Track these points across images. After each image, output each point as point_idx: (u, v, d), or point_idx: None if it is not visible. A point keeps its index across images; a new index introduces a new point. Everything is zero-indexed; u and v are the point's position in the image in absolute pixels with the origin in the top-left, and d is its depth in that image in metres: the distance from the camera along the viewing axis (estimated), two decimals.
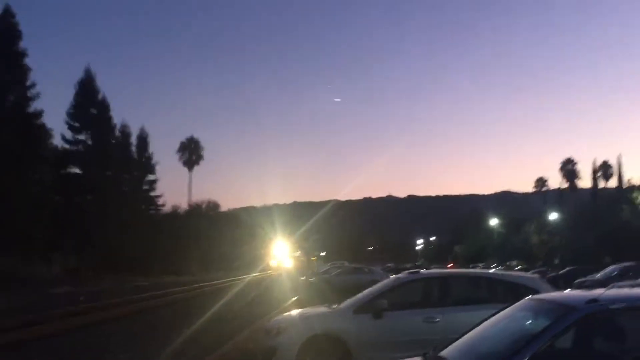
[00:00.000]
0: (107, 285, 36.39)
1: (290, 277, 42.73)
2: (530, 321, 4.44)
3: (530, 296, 5.09)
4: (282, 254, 65.77)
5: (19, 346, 11.61)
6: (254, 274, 48.96)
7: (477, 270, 18.88)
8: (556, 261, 59.79)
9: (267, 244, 67.24)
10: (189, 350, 11.13)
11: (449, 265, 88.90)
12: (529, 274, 10.47)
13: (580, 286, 28.43)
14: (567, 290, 6.11)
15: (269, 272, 56.13)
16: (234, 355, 10.54)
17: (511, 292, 8.63)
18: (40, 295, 28.03)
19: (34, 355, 10.82)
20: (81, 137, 55.34)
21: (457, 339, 4.81)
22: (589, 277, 31.69)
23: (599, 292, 4.46)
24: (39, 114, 44.69)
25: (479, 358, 4.26)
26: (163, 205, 72.36)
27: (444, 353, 4.43)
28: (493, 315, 5.03)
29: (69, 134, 55.02)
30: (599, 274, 31.54)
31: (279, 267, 59.48)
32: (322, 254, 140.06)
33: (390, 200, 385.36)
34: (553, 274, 40.68)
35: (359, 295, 9.26)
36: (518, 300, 8.01)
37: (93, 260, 49.88)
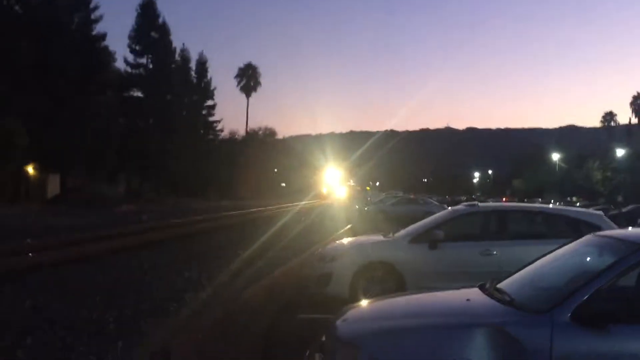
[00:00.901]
0: (168, 207, 37.71)
1: (344, 205, 43.05)
2: (594, 258, 4.30)
3: (595, 232, 4.89)
4: (336, 182, 65.89)
5: (87, 260, 12.25)
6: (308, 201, 49.41)
7: (537, 204, 18.46)
8: (619, 199, 57.85)
9: (321, 172, 66.92)
10: (246, 272, 11.48)
11: (503, 200, 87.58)
12: (591, 210, 10.13)
13: None
14: (633, 228, 5.84)
15: (322, 200, 56.13)
16: (290, 279, 10.81)
17: (572, 228, 8.43)
18: (107, 213, 29.46)
19: (102, 270, 11.37)
20: (142, 60, 56.17)
21: (515, 272, 4.74)
22: None
23: None
24: (102, 36, 45.44)
25: (539, 292, 4.18)
26: (221, 130, 73.72)
27: (502, 285, 4.37)
28: (554, 250, 4.90)
29: (130, 57, 55.93)
30: None
31: (332, 196, 59.36)
32: (377, 184, 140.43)
33: (448, 132, 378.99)
34: (615, 211, 39.44)
35: (415, 225, 9.25)
36: (579, 237, 7.88)
37: (154, 182, 51.73)
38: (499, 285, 4.39)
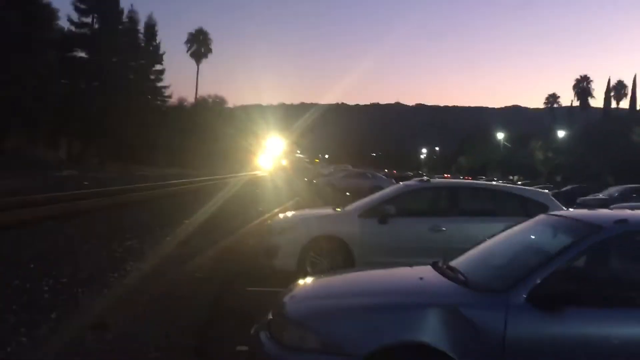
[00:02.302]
0: (112, 173, 36.58)
1: (291, 177, 42.65)
2: (548, 238, 4.25)
3: (548, 212, 4.86)
4: (284, 153, 64.80)
5: (21, 226, 11.67)
6: (254, 172, 48.61)
7: (483, 182, 18.74)
8: (558, 178, 59.82)
9: (269, 143, 64.94)
10: (193, 241, 11.21)
11: (444, 176, 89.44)
12: (539, 189, 10.27)
13: (584, 204, 28.54)
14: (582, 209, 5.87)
15: (268, 171, 54.45)
16: (237, 249, 10.61)
17: (521, 206, 8.53)
18: (46, 178, 28.31)
19: (39, 237, 10.85)
20: (87, 20, 53.83)
21: (469, 249, 4.66)
22: (592, 196, 31.68)
23: (622, 212, 4.26)
24: None
25: (493, 272, 4.10)
26: (169, 97, 71.74)
27: (454, 263, 4.28)
28: (506, 229, 4.84)
29: (75, 16, 53.47)
30: (601, 194, 31.51)
31: (280, 167, 58.04)
32: (326, 156, 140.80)
33: (398, 108, 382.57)
34: (555, 190, 40.75)
35: (365, 200, 9.14)
36: (527, 215, 7.95)
37: (98, 147, 50.06)
38: (452, 263, 4.29)
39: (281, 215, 9.88)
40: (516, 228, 4.72)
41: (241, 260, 9.67)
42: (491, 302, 3.46)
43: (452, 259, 4.47)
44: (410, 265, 4.59)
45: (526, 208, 8.31)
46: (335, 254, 8.25)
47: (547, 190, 9.81)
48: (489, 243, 4.65)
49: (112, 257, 9.32)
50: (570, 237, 3.81)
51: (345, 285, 4.31)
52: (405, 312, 3.48)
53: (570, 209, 6.04)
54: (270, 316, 3.94)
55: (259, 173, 49.53)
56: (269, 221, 9.83)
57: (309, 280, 4.71)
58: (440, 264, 4.32)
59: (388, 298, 3.71)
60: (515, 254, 4.33)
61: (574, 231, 3.91)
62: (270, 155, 63.02)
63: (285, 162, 62.18)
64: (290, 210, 11.61)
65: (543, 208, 8.11)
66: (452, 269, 4.12)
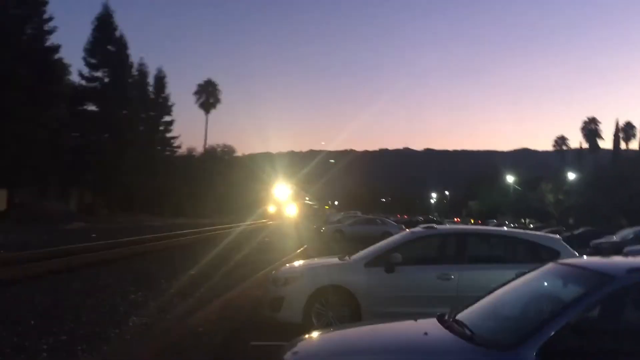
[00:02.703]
0: (121, 224, 36.55)
1: (300, 225, 42.20)
2: (559, 288, 4.04)
3: (558, 260, 4.66)
4: (292, 201, 63.77)
5: (27, 280, 11.54)
6: (262, 221, 47.93)
7: (496, 227, 18.42)
8: (571, 221, 59.16)
9: (277, 191, 63.60)
10: (197, 293, 11.02)
11: (455, 220, 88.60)
12: (550, 234, 10.03)
13: (597, 248, 28.06)
14: (596, 257, 5.65)
15: (279, 219, 53.24)
16: (242, 301, 10.39)
17: (531, 252, 8.32)
18: (55, 231, 28.32)
19: (42, 292, 10.69)
20: (98, 74, 54.81)
21: (475, 301, 4.46)
22: (605, 239, 31.19)
23: (636, 260, 4.08)
24: (56, 48, 44.11)
25: (501, 326, 3.89)
26: (179, 147, 72.46)
27: (462, 317, 4.07)
28: (515, 278, 4.64)
29: (85, 71, 54.56)
30: (614, 237, 31.03)
31: (288, 215, 56.63)
32: (336, 203, 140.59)
33: (406, 153, 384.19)
34: (567, 234, 40.21)
35: (372, 248, 8.95)
36: (538, 261, 7.72)
37: (108, 198, 50.28)
38: (458, 317, 4.09)
39: (286, 265, 9.69)
40: (525, 277, 4.51)
41: (246, 313, 9.44)
42: (499, 358, 3.26)
43: (459, 311, 4.27)
44: (415, 318, 4.38)
45: (537, 254, 8.10)
46: (341, 304, 8.03)
47: (558, 236, 9.56)
48: (497, 294, 4.44)
49: (115, 312, 9.15)
50: (581, 288, 3.61)
51: (349, 342, 4.10)
52: None
53: (583, 256, 5.80)
54: None
55: (266, 221, 48.74)
56: (273, 272, 9.62)
57: (312, 335, 4.51)
58: (446, 317, 4.12)
59: (389, 356, 3.51)
60: (524, 306, 4.12)
61: (585, 281, 3.72)
62: (278, 203, 61.82)
63: (293, 210, 60.88)
64: (297, 260, 11.39)
65: (554, 254, 7.89)
66: (458, 322, 3.92)
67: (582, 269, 4.02)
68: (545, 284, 4.31)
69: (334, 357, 3.69)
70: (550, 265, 4.45)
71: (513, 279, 4.65)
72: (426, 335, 3.78)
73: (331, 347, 4.00)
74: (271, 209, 59.99)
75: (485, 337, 3.51)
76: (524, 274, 4.67)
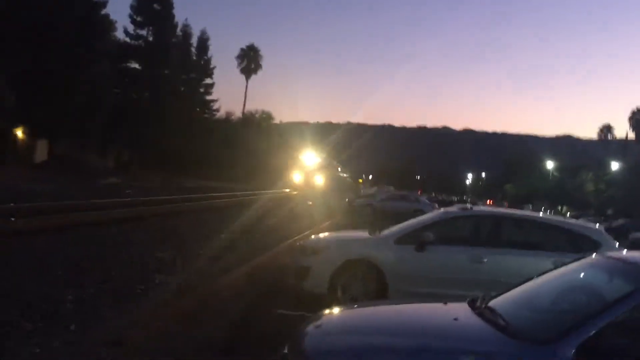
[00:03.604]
0: (153, 183, 36.97)
1: (328, 197, 41.16)
2: (603, 283, 3.76)
3: (604, 252, 4.35)
4: (323, 171, 61.74)
5: (60, 230, 11.68)
6: (286, 190, 44.87)
7: (532, 212, 17.82)
8: (609, 212, 57.65)
9: (308, 159, 62.43)
10: (225, 256, 11.02)
11: (488, 202, 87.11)
12: (591, 224, 9.61)
13: (636, 241, 27.24)
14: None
15: (306, 189, 51.40)
16: (269, 267, 10.33)
17: (570, 241, 7.97)
18: (91, 185, 28.84)
19: (74, 242, 10.82)
20: (142, 32, 55.20)
21: (510, 288, 4.21)
22: None
23: None
24: (103, 4, 44.40)
25: (538, 318, 3.65)
26: (217, 110, 72.76)
27: (495, 304, 3.84)
28: (554, 268, 4.38)
29: (131, 28, 54.94)
30: None
31: (316, 185, 55.28)
32: (370, 177, 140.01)
33: (445, 132, 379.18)
34: (605, 224, 39.10)
35: (403, 225, 8.72)
36: (577, 251, 7.38)
37: (144, 156, 50.94)
38: (491, 304, 3.86)
39: (314, 236, 9.54)
40: (566, 268, 4.24)
41: (273, 280, 9.36)
42: (534, 354, 3.03)
43: (491, 297, 4.04)
44: (445, 301, 4.17)
45: (576, 244, 7.75)
46: (368, 279, 7.86)
47: (601, 226, 9.14)
48: (534, 283, 4.18)
49: (144, 269, 9.18)
50: (630, 285, 3.33)
51: (374, 321, 3.91)
52: (434, 357, 3.09)
53: (632, 251, 5.46)
54: (285, 350, 3.60)
55: (291, 191, 46.62)
56: (301, 241, 9.50)
57: (336, 310, 4.35)
58: (478, 303, 3.89)
59: (418, 340, 3.31)
60: (565, 299, 3.85)
61: (635, 277, 3.44)
62: (307, 172, 58.82)
63: (321, 181, 58.18)
64: (325, 232, 11.22)
65: (595, 245, 7.54)
66: (491, 310, 3.69)
67: (632, 264, 3.73)
68: (589, 277, 4.03)
69: (358, 335, 3.52)
70: (594, 257, 4.16)
71: (552, 269, 4.39)
72: (456, 321, 3.57)
73: (356, 325, 3.82)
74: (297, 177, 56.50)
75: (520, 329, 3.27)
76: (564, 264, 4.40)
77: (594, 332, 2.99)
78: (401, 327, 3.64)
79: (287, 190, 44.98)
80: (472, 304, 3.90)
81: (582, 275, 4.09)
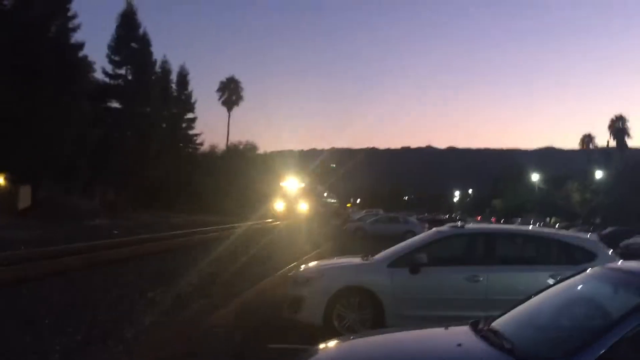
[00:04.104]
0: (143, 220, 36.57)
1: (315, 224, 39.99)
2: (608, 296, 3.61)
3: (603, 264, 4.23)
4: (307, 197, 59.64)
5: (43, 278, 11.41)
6: (268, 220, 42.26)
7: (523, 226, 17.76)
8: (597, 220, 57.92)
9: (291, 186, 57.55)
10: (215, 293, 10.81)
11: (477, 219, 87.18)
12: (584, 235, 9.53)
13: (628, 248, 27.24)
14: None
15: (290, 217, 47.09)
16: (260, 300, 10.10)
17: (565, 253, 7.89)
18: (77, 227, 28.43)
19: (59, 290, 10.54)
20: (121, 71, 55.11)
21: (511, 308, 4.06)
22: (634, 239, 30.29)
23: None
24: (80, 45, 44.38)
25: (544, 337, 3.48)
26: (201, 144, 72.54)
27: (498, 325, 3.69)
28: (555, 283, 4.24)
29: (109, 68, 54.89)
30: None
31: (300, 213, 51.13)
32: (358, 201, 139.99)
33: (429, 151, 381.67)
34: (595, 233, 39.10)
35: (396, 248, 8.57)
36: (572, 263, 7.27)
37: (130, 195, 50.50)
38: (493, 325, 3.71)
39: (306, 265, 9.34)
40: (567, 282, 4.10)
41: (264, 313, 9.14)
42: None
43: (494, 318, 3.89)
44: (446, 325, 4.00)
45: (571, 256, 7.67)
46: (364, 306, 7.69)
47: (595, 236, 9.06)
48: (535, 300, 4.03)
49: (132, 310, 8.94)
50: (637, 297, 3.19)
51: (374, 353, 3.72)
52: None
53: (629, 261, 5.33)
54: None
55: (273, 221, 42.80)
56: (292, 271, 9.29)
57: (332, 344, 4.16)
58: (480, 325, 3.73)
59: None
60: (569, 316, 3.70)
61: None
62: (290, 199, 54.83)
63: (307, 207, 53.24)
64: (317, 260, 10.98)
65: (590, 256, 7.47)
66: (494, 331, 3.53)
67: (636, 275, 3.59)
68: (592, 290, 3.88)
69: None
70: (596, 270, 4.02)
71: (552, 284, 4.25)
72: (460, 347, 3.40)
73: (354, 357, 3.64)
74: (279, 206, 51.48)
75: (528, 350, 3.10)
76: (562, 278, 4.26)
77: (604, 349, 2.84)
78: (403, 358, 3.46)
79: (269, 220, 42.66)
80: (474, 327, 3.74)
81: (584, 289, 3.95)
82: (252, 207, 49.29)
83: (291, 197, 52.13)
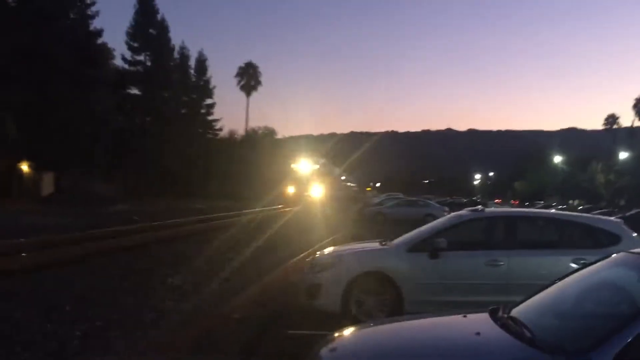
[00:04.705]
0: (162, 207, 36.83)
1: (332, 209, 39.23)
2: (633, 283, 3.48)
3: (627, 249, 4.07)
4: (332, 182, 58.14)
5: (67, 263, 11.51)
6: (278, 206, 39.93)
7: (545, 209, 17.58)
8: (622, 202, 57.03)
9: (313, 171, 55.27)
10: (234, 278, 10.82)
11: (495, 201, 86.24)
12: (609, 218, 9.32)
13: None
14: None
15: (303, 202, 44.46)
16: (278, 286, 10.08)
17: (588, 236, 7.73)
18: (99, 213, 28.72)
19: (79, 276, 10.63)
20: (140, 57, 55.51)
21: (532, 294, 3.95)
22: None
23: None
24: (99, 32, 44.72)
25: (565, 327, 3.36)
26: (220, 129, 72.83)
27: (518, 313, 3.58)
28: (579, 269, 4.10)
29: (128, 54, 55.26)
30: None
31: (324, 197, 49.05)
32: (377, 185, 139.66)
33: (449, 134, 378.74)
34: (619, 215, 38.46)
35: (414, 232, 8.45)
36: (596, 247, 7.11)
37: (151, 180, 50.94)
38: (513, 313, 3.60)
39: (323, 251, 9.26)
40: (590, 268, 3.96)
41: (283, 299, 9.11)
42: None
43: (513, 306, 3.78)
44: (464, 313, 3.90)
45: (595, 239, 7.49)
46: (382, 292, 7.58)
47: (619, 219, 8.84)
48: (557, 287, 3.90)
49: (152, 295, 8.98)
50: None
51: (391, 343, 3.62)
52: None
53: None
54: None
55: (283, 207, 40.04)
56: (309, 257, 9.23)
57: (349, 331, 4.09)
58: (500, 313, 3.63)
59: None
60: (593, 303, 3.58)
61: None
62: (303, 182, 51.88)
63: (323, 191, 49.56)
64: (335, 246, 10.87)
65: (615, 239, 7.29)
66: (514, 320, 3.42)
67: None
68: (616, 277, 3.74)
69: (375, 359, 3.27)
70: (620, 255, 3.87)
71: (575, 270, 4.12)
72: (479, 336, 3.29)
73: (371, 348, 3.56)
74: (290, 190, 47.52)
75: (549, 340, 2.99)
76: (586, 264, 4.13)
77: (631, 339, 2.72)
78: (421, 347, 3.37)
79: (279, 206, 39.84)
80: (493, 315, 3.63)
81: (609, 275, 3.81)
82: (269, 192, 47.88)
83: (303, 180, 48.81)
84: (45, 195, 40.89)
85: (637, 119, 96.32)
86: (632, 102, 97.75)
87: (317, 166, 50.12)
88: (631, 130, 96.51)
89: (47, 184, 42.43)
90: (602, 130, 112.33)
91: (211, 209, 33.71)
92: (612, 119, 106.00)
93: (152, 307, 8.16)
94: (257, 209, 32.32)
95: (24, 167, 40.22)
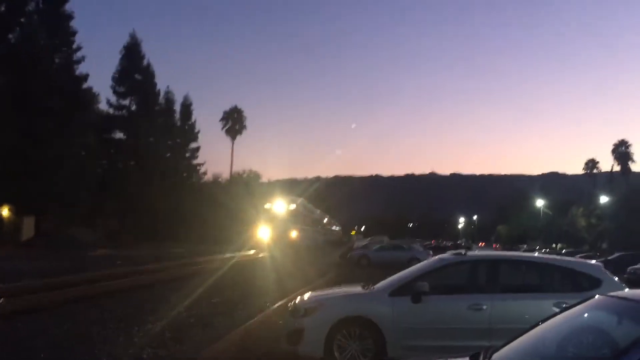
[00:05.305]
0: (146, 251, 36.38)
1: (318, 252, 38.01)
2: (612, 326, 3.49)
3: (606, 292, 4.10)
4: (313, 226, 57.28)
5: (44, 309, 11.29)
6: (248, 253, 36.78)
7: (530, 254, 17.49)
8: (604, 246, 57.44)
9: (290, 212, 49.39)
10: (217, 322, 10.65)
11: (480, 244, 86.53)
12: (590, 261, 9.38)
13: (636, 274, 26.89)
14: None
15: (277, 248, 39.14)
16: (260, 332, 9.91)
17: (570, 280, 7.75)
18: (80, 258, 28.28)
19: (56, 322, 10.39)
20: (125, 102, 55.64)
21: (514, 338, 3.92)
22: None
23: None
24: (84, 77, 44.93)
25: None
26: (205, 173, 72.67)
27: (498, 357, 3.55)
28: (558, 312, 4.11)
29: (113, 99, 55.41)
30: None
31: (301, 242, 46.14)
32: (362, 228, 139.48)
33: (433, 178, 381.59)
34: (601, 259, 38.70)
35: (397, 276, 8.42)
36: (577, 290, 7.12)
37: (134, 225, 50.41)
38: (495, 357, 3.57)
39: (305, 295, 9.17)
40: (571, 311, 3.96)
41: (265, 346, 8.95)
42: None
43: (495, 349, 3.75)
44: (446, 357, 3.86)
45: (576, 283, 7.52)
46: (365, 336, 7.50)
47: (599, 263, 8.89)
48: (539, 331, 3.90)
49: (131, 343, 8.78)
50: None
51: None
52: None
53: (635, 290, 5.17)
54: None
55: (253, 253, 36.99)
56: (292, 302, 9.12)
57: None
58: (481, 358, 3.60)
59: None
60: (574, 347, 3.55)
61: None
62: (284, 226, 46.49)
63: (299, 235, 47.13)
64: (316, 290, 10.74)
65: (595, 282, 7.33)
66: None
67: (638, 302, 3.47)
68: (597, 319, 3.75)
69: None
70: (599, 298, 3.89)
71: (556, 313, 4.12)
72: None
73: None
74: (265, 234, 43.69)
75: None
76: (567, 307, 4.13)
77: None
78: None
79: (250, 252, 36.93)
80: (474, 359, 3.60)
81: (588, 318, 3.81)
82: (242, 235, 44.50)
83: (279, 223, 44.30)
84: (25, 239, 40.22)
85: (616, 163, 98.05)
86: (611, 147, 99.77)
87: (294, 206, 46.94)
88: (611, 174, 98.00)
89: (28, 228, 41.77)
90: (583, 174, 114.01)
91: (190, 253, 33.23)
92: (592, 163, 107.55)
93: (131, 356, 7.98)
94: (222, 255, 30.06)
95: (4, 211, 39.67)
